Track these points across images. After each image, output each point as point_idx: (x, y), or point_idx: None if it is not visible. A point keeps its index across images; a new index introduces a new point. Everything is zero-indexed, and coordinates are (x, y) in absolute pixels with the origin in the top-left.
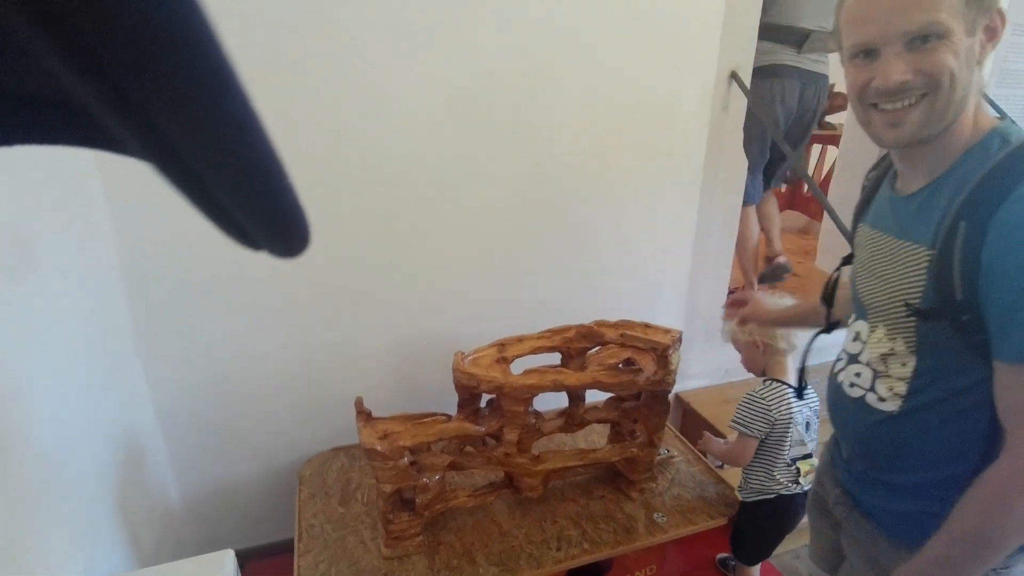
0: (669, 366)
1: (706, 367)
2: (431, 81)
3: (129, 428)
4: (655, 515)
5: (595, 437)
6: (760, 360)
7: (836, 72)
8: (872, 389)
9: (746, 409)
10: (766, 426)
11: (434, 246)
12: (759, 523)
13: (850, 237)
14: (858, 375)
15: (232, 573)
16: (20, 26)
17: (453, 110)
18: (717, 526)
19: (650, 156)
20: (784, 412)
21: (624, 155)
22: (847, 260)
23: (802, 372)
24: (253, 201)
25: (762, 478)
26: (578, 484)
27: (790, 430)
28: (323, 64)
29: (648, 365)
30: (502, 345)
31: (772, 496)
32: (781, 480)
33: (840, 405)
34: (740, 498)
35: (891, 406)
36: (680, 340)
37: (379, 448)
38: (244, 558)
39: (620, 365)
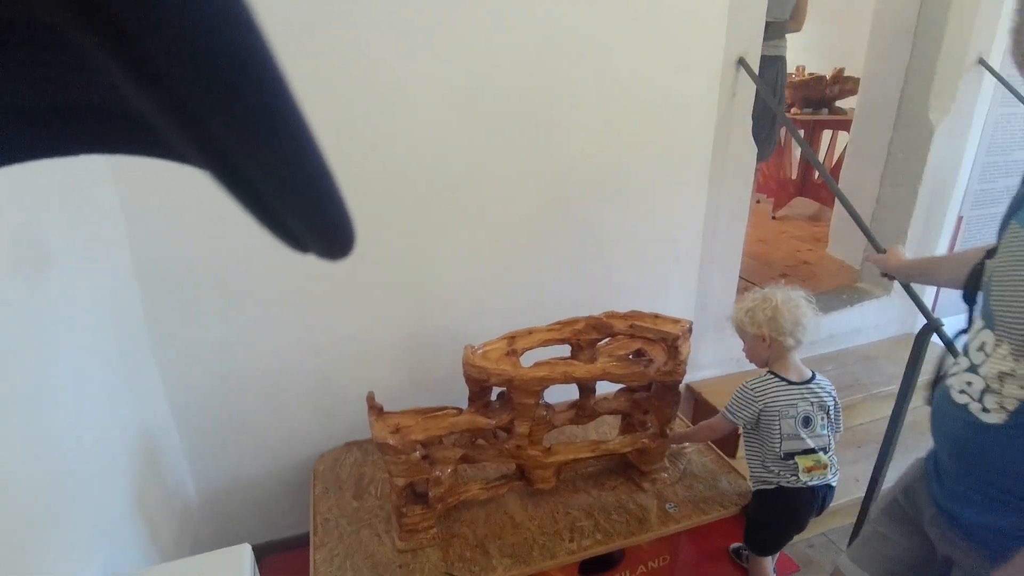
0: (679, 356)
1: (717, 357)
2: (437, 78)
3: (145, 425)
4: (667, 505)
5: (606, 429)
6: (764, 353)
7: (846, 56)
8: (979, 400)
9: (736, 396)
10: (751, 416)
11: (443, 241)
12: (762, 512)
13: (1000, 229)
14: (969, 384)
15: (249, 567)
16: (87, 42)
17: (460, 106)
18: (730, 516)
19: (658, 146)
20: (770, 404)
21: (632, 146)
22: (991, 253)
23: (939, 378)
24: (305, 207)
25: (756, 466)
26: (590, 475)
27: (777, 423)
28: (329, 60)
29: (658, 356)
30: (512, 338)
31: (772, 487)
32: (777, 472)
33: (943, 410)
34: (750, 486)
35: (994, 418)
36: (690, 330)
37: (391, 442)
38: (261, 552)
39: (630, 356)
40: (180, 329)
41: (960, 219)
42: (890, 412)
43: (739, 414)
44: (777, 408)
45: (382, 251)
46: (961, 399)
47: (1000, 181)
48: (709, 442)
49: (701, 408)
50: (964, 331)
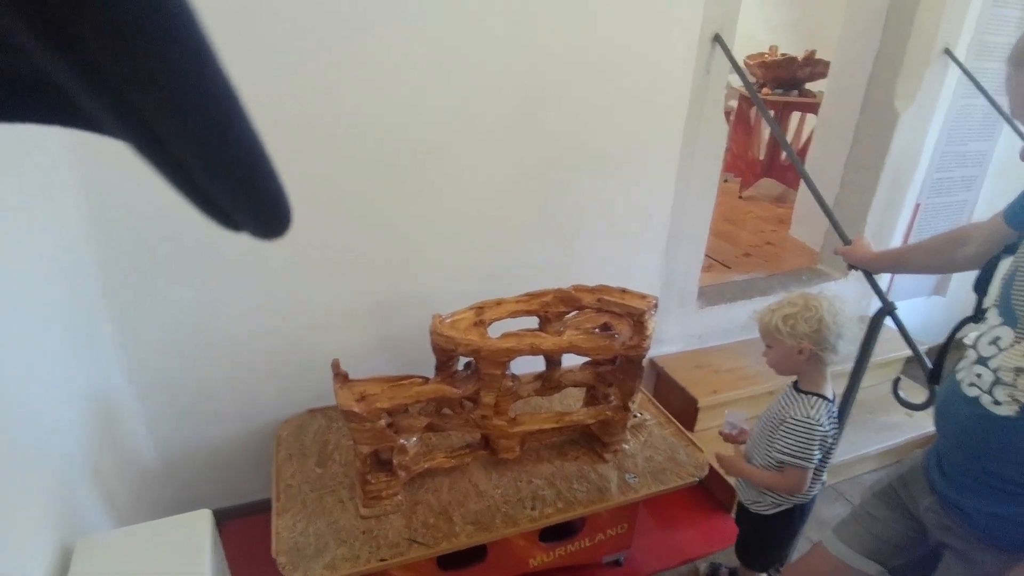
0: (645, 331)
1: (680, 333)
2: (410, 42)
3: (100, 391)
4: (627, 476)
5: (570, 400)
6: (798, 366)
7: (819, 38)
8: (989, 392)
9: (801, 438)
10: (821, 452)
11: (412, 208)
12: (780, 532)
13: (1020, 223)
14: (979, 376)
15: (209, 532)
16: None
17: (434, 74)
18: (687, 486)
19: (631, 120)
20: (833, 432)
21: (605, 118)
22: (1011, 249)
23: (940, 363)
24: (235, 184)
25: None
26: (553, 445)
27: (828, 452)
28: (304, 20)
29: (624, 330)
30: (480, 308)
31: (789, 507)
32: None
33: (952, 404)
34: (753, 511)
35: (1006, 411)
36: (656, 306)
37: (356, 410)
38: (222, 517)
39: (597, 330)
40: (137, 292)
41: (917, 206)
42: (843, 390)
43: (814, 456)
44: (832, 436)
45: (349, 216)
46: (971, 392)
47: (956, 171)
48: (668, 414)
49: (663, 382)
50: (971, 319)
